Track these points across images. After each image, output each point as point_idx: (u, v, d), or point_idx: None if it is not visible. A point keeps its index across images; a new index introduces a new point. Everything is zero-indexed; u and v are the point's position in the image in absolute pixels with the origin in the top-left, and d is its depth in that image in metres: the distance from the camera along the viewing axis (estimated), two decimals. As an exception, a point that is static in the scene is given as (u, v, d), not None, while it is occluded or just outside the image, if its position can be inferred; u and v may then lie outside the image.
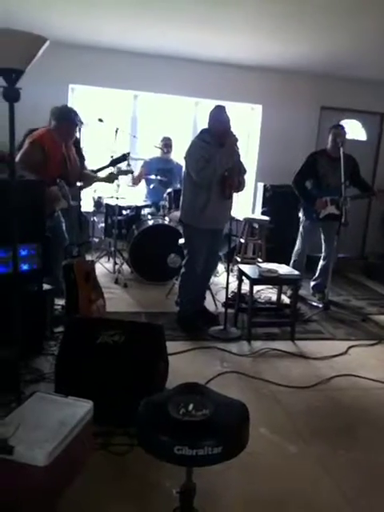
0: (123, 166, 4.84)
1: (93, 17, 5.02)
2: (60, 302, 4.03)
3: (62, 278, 3.88)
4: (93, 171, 4.48)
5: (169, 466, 1.67)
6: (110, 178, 4.55)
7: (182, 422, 1.62)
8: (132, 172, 4.92)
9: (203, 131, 4.02)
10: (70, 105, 6.43)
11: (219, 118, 3.92)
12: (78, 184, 4.23)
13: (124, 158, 4.49)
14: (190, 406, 1.69)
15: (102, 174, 4.48)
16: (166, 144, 6.11)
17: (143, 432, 1.65)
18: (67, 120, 4.06)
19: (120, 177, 5.40)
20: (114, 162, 4.44)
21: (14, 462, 1.82)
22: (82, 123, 4.14)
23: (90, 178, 4.44)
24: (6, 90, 2.19)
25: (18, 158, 3.58)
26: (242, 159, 4.05)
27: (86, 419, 2.17)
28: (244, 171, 4.09)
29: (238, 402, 1.81)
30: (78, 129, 4.18)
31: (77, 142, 4.46)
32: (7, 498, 1.88)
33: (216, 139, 3.89)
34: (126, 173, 4.78)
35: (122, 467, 2.28)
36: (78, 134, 4.26)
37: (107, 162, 4.45)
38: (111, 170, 4.57)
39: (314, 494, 2.24)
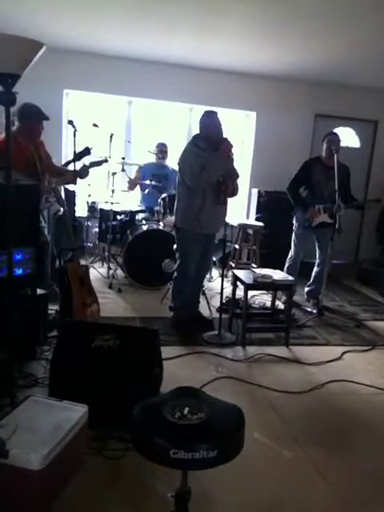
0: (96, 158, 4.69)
1: (88, 23, 5.03)
2: (54, 307, 4.02)
3: (56, 282, 3.87)
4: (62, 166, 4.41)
5: (164, 470, 1.67)
6: (83, 173, 4.36)
7: (177, 426, 1.62)
8: (106, 161, 4.80)
9: (196, 137, 4.03)
10: (64, 110, 6.47)
11: (211, 123, 3.93)
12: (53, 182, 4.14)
13: (87, 151, 4.40)
14: (186, 410, 1.69)
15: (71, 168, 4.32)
16: (161, 150, 6.13)
17: (139, 435, 1.65)
18: (29, 119, 3.90)
19: (115, 182, 5.43)
20: (77, 156, 4.33)
21: (8, 466, 1.82)
22: (48, 119, 3.96)
23: (64, 175, 4.33)
24: (2, 95, 2.20)
25: None
26: (235, 164, 4.07)
27: (81, 423, 2.16)
28: (237, 176, 4.11)
29: (233, 405, 1.81)
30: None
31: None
32: (2, 501, 1.87)
33: (209, 144, 3.91)
34: (99, 163, 4.62)
35: (117, 471, 2.27)
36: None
37: (71, 158, 4.34)
38: (83, 163, 4.43)
39: (309, 498, 2.24)
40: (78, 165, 4.32)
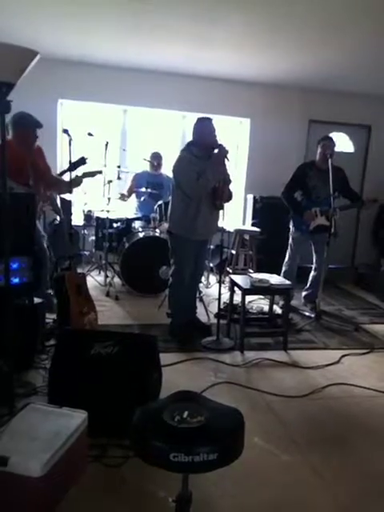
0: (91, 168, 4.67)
1: (82, 33, 5.06)
2: (51, 316, 4.01)
3: (53, 291, 3.86)
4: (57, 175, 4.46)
5: (164, 477, 1.66)
6: (76, 182, 4.39)
7: (177, 429, 1.62)
8: (100, 172, 4.81)
9: (190, 144, 4.02)
10: (59, 119, 6.49)
11: (205, 130, 3.93)
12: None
13: (83, 160, 4.42)
14: (185, 413, 1.69)
15: (66, 178, 4.35)
16: (157, 160, 6.12)
17: (139, 440, 1.64)
18: (20, 127, 3.96)
19: (111, 190, 5.44)
20: (73, 166, 4.36)
21: (8, 473, 1.81)
22: (40, 126, 4.01)
23: (58, 185, 4.39)
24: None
25: None
26: (228, 170, 4.07)
27: (81, 429, 2.15)
28: (229, 181, 4.11)
29: (232, 408, 1.81)
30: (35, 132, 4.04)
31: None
32: (2, 509, 1.86)
33: (204, 151, 3.92)
34: (92, 174, 4.62)
35: (117, 479, 2.25)
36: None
37: (66, 167, 4.30)
38: (76, 173, 4.41)
39: (309, 502, 2.23)
40: (73, 174, 4.29)
